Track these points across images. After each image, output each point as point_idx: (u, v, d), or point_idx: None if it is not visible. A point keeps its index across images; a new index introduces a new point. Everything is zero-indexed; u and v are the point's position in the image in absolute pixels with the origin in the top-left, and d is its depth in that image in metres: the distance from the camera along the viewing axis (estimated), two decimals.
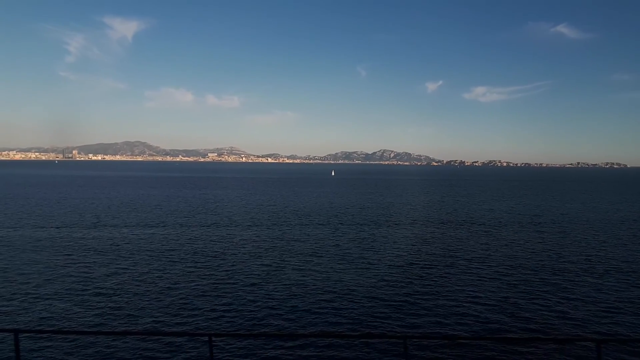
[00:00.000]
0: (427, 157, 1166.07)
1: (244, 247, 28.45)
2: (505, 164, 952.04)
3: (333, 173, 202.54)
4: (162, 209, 49.80)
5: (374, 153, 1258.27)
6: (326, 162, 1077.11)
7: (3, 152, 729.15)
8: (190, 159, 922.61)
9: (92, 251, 26.73)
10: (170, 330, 14.38)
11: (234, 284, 20.22)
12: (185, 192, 75.39)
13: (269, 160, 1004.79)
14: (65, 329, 14.48)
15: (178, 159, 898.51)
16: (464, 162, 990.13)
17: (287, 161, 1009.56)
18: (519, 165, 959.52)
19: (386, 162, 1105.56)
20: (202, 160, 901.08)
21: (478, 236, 34.13)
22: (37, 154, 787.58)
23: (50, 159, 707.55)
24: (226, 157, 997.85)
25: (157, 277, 21.16)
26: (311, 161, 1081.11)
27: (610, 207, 59.24)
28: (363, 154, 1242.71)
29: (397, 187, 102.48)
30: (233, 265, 23.58)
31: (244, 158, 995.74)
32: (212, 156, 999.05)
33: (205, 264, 24.02)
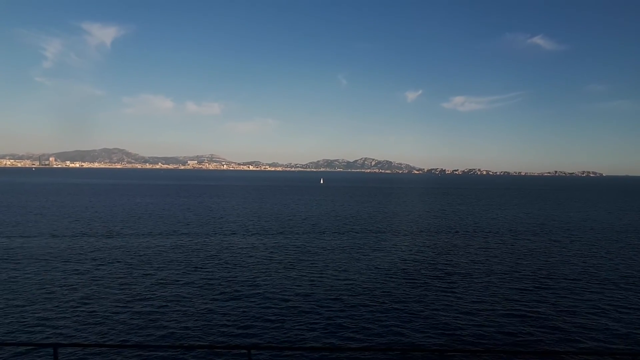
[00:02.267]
0: (407, 166, 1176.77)
1: (268, 257, 28.16)
2: (485, 173, 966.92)
3: (322, 181, 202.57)
4: (168, 217, 49.00)
5: (356, 161, 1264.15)
6: (308, 169, 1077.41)
7: None
8: (170, 166, 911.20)
9: (116, 262, 26.07)
10: (208, 344, 14.16)
11: (258, 293, 19.91)
12: (184, 200, 74.40)
13: (251, 168, 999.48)
14: (105, 343, 14.23)
15: (157, 167, 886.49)
16: (445, 170, 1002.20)
17: (269, 169, 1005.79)
18: (498, 173, 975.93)
19: (368, 170, 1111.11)
20: (182, 167, 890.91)
21: (482, 244, 34.56)
22: (12, 160, 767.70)
23: (27, 166, 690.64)
24: (207, 164, 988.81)
25: (184, 287, 20.81)
26: (293, 169, 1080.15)
27: (609, 215, 60.68)
28: (345, 162, 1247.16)
29: (392, 196, 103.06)
30: (255, 276, 23.27)
31: (225, 166, 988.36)
32: (192, 164, 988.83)
33: (230, 273, 23.68)
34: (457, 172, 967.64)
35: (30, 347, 12.99)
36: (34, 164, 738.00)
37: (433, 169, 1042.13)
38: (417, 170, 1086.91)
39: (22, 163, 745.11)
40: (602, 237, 39.37)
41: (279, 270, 24.24)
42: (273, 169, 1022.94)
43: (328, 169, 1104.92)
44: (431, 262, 27.33)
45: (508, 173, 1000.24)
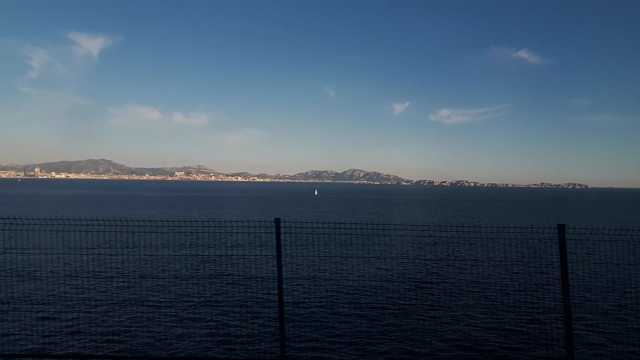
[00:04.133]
0: (396, 177, 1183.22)
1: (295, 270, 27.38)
2: (472, 184, 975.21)
3: (316, 192, 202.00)
4: (184, 229, 47.82)
5: (344, 172, 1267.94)
6: (297, 181, 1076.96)
7: None
8: (157, 177, 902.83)
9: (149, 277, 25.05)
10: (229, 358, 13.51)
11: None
12: (191, 212, 73.10)
13: (239, 179, 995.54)
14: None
15: (144, 178, 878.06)
16: (433, 182, 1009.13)
17: (257, 180, 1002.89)
18: (485, 185, 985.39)
19: (356, 182, 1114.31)
20: (169, 179, 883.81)
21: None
22: None
23: (11, 177, 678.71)
24: (194, 175, 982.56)
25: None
26: (281, 180, 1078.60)
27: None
28: (333, 173, 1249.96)
29: (392, 207, 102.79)
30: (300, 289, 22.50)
31: (213, 177, 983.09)
32: (179, 175, 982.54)
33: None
34: (445, 184, 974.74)
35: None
36: (18, 175, 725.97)
37: (421, 181, 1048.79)
38: (405, 182, 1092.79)
39: (6, 174, 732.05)
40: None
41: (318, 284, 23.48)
42: (261, 180, 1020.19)
43: (317, 180, 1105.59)
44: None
45: (495, 185, 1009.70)
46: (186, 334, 14.57)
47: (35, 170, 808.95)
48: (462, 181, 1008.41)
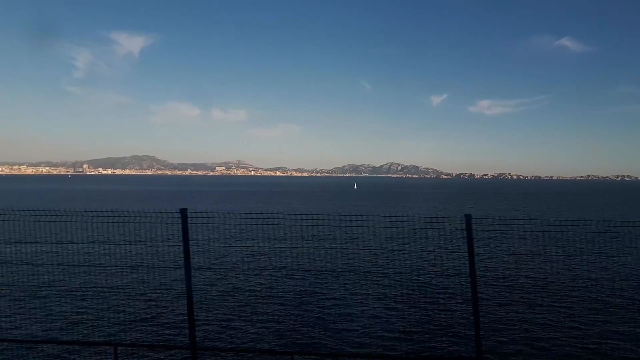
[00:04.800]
0: (435, 170, 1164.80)
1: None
2: (515, 177, 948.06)
3: (355, 186, 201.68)
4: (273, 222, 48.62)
5: (381, 166, 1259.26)
6: (334, 175, 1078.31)
7: (14, 167, 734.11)
8: (199, 172, 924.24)
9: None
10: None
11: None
12: (263, 206, 73.55)
13: (277, 173, 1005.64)
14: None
15: (187, 173, 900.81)
16: (474, 175, 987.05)
17: (295, 174, 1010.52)
18: (529, 177, 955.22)
19: (394, 175, 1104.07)
20: (211, 174, 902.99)
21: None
22: (47, 168, 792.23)
23: (62, 173, 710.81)
24: (234, 170, 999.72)
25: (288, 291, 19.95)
26: (319, 174, 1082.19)
27: None
28: (370, 167, 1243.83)
29: (447, 201, 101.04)
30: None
31: (252, 172, 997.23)
32: (220, 170, 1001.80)
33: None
34: (486, 177, 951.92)
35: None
36: (68, 171, 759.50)
37: (462, 174, 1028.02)
38: (445, 175, 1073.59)
39: (57, 170, 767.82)
40: None
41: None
42: (299, 174, 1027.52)
43: (354, 174, 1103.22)
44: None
45: (539, 177, 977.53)
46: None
47: (84, 166, 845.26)
48: (504, 174, 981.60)
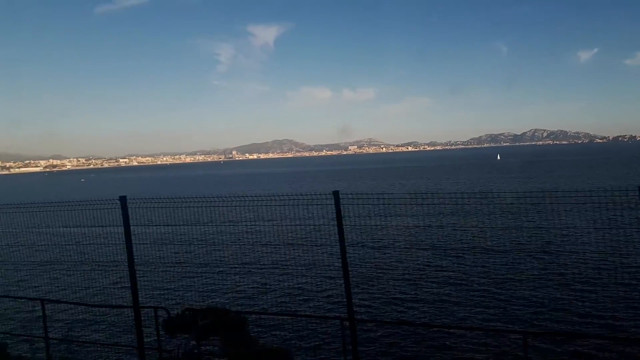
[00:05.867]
0: (587, 134, 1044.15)
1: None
2: None
3: (499, 157, 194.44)
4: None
5: (524, 134, 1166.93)
6: (470, 146, 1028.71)
7: (175, 156, 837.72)
8: (334, 152, 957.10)
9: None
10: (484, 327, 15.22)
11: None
12: (427, 182, 78.06)
13: (409, 149, 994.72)
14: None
15: (322, 154, 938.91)
16: (635, 136, 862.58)
17: (428, 149, 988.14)
18: None
19: (539, 143, 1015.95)
20: (344, 153, 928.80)
21: None
22: (203, 156, 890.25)
23: (215, 160, 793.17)
24: (366, 148, 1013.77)
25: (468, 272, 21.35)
26: (453, 147, 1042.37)
27: None
28: (511, 136, 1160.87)
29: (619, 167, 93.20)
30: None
31: (383, 149, 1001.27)
32: (353, 149, 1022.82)
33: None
34: None
35: None
36: (220, 158, 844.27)
37: (620, 136, 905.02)
38: (600, 139, 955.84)
39: (211, 157, 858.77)
40: None
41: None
42: (432, 148, 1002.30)
43: (492, 145, 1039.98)
44: None
45: None
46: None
47: (233, 152, 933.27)
48: None
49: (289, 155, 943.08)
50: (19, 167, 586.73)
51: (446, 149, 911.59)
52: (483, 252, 23.90)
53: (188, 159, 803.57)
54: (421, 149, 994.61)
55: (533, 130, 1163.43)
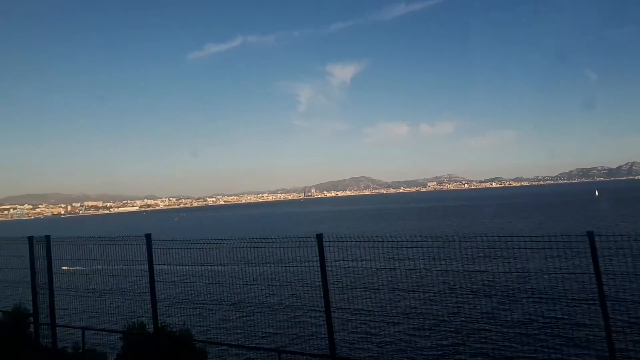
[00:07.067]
0: None
1: None
2: None
3: (597, 193, 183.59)
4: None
5: (620, 167, 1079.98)
6: (559, 182, 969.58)
7: (258, 195, 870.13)
8: (412, 189, 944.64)
9: None
10: None
11: None
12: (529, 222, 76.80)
13: (493, 185, 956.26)
14: None
15: (400, 191, 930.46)
16: None
17: (513, 184, 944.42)
18: None
19: (637, 177, 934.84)
20: (423, 190, 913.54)
21: None
22: (283, 194, 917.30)
23: (295, 198, 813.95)
24: (447, 185, 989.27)
25: None
26: (541, 182, 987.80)
27: None
28: (605, 170, 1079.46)
29: None
30: None
31: (465, 185, 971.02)
32: (432, 185, 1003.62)
33: None
34: None
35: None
36: (299, 196, 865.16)
37: None
38: None
39: (290, 196, 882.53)
40: None
41: None
42: (518, 184, 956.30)
43: (584, 180, 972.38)
44: None
45: None
46: None
47: (312, 190, 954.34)
48: None
49: (366, 192, 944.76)
50: (117, 207, 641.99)
51: (533, 185, 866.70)
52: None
53: (270, 197, 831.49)
54: (506, 184, 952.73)
55: (630, 164, 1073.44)
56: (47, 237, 10.37)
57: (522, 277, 19.74)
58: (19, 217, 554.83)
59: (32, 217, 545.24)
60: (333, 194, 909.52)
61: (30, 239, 10.04)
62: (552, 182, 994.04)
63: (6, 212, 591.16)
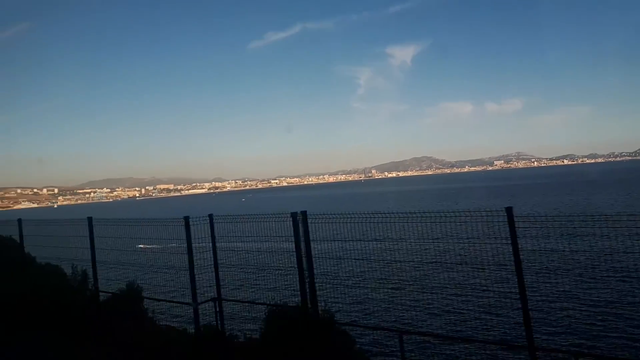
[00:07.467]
0: None
1: None
2: None
3: None
4: None
5: None
6: (638, 157, 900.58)
7: (319, 176, 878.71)
8: (477, 168, 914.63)
9: None
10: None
11: None
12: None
13: (565, 162, 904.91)
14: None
15: (465, 170, 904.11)
16: None
17: (587, 161, 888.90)
18: None
19: None
20: (489, 168, 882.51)
21: None
22: (344, 175, 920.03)
23: (355, 179, 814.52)
24: (515, 163, 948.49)
25: None
26: (617, 158, 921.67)
27: None
28: None
29: None
30: None
31: (535, 163, 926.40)
32: (499, 164, 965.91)
33: None
34: None
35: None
36: (360, 177, 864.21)
37: None
38: None
39: (352, 177, 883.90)
40: None
41: None
42: (592, 161, 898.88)
43: None
44: None
45: None
46: None
47: (372, 171, 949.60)
48: None
49: (429, 172, 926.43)
50: (187, 189, 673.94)
51: (609, 161, 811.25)
52: None
53: (331, 179, 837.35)
54: (579, 162, 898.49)
55: None
56: (210, 215, 9.90)
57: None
58: (99, 199, 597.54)
59: (111, 200, 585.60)
60: (394, 174, 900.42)
61: (187, 218, 9.68)
62: (630, 157, 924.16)
63: (87, 195, 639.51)
